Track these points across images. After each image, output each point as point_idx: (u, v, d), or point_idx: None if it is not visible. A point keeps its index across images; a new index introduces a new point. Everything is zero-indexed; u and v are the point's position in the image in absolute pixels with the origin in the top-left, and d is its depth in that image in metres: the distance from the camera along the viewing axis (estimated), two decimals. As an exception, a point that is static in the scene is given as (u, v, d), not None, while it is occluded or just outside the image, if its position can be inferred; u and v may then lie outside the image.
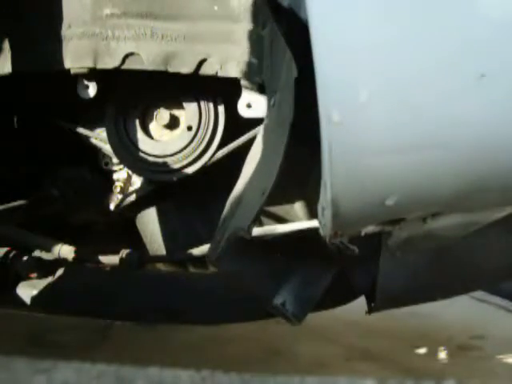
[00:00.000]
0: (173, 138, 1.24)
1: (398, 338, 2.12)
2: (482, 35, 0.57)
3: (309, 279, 1.09)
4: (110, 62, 1.13)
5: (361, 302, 1.25)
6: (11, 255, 1.25)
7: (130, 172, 1.31)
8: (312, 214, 1.23)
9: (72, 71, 1.15)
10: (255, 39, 1.09)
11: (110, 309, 1.27)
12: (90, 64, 1.13)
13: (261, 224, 1.22)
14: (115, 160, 1.30)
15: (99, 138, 1.28)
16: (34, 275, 1.26)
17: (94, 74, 1.16)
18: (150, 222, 1.35)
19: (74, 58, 1.14)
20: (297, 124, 0.89)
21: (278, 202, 1.24)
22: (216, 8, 1.09)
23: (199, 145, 1.23)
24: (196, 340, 1.94)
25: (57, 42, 1.13)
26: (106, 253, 1.29)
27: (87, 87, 1.19)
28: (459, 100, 0.58)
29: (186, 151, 1.23)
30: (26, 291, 1.25)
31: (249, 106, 1.15)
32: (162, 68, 1.12)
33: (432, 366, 1.90)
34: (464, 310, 2.34)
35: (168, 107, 1.25)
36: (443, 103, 0.59)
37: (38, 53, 1.14)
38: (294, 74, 0.86)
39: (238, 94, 1.15)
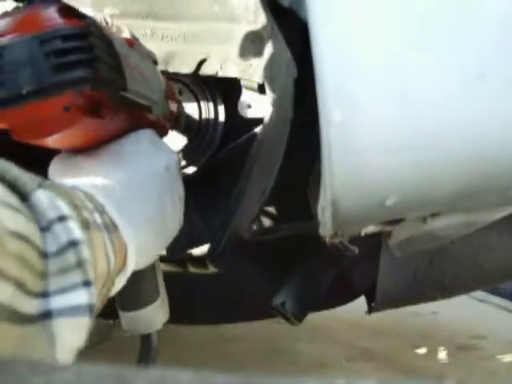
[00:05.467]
0: (173, 138, 1.24)
1: (398, 338, 2.12)
2: (483, 34, 0.57)
3: (309, 279, 1.09)
4: (109, 62, 1.13)
5: (361, 302, 1.25)
6: (11, 255, 1.25)
7: (129, 172, 1.31)
8: (312, 214, 1.22)
9: (72, 71, 1.15)
10: (255, 39, 1.09)
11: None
12: (89, 64, 1.13)
13: (261, 224, 1.22)
14: (115, 160, 1.30)
15: (99, 138, 1.28)
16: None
17: (93, 73, 1.16)
18: (150, 222, 1.34)
19: (74, 58, 1.13)
20: (297, 124, 0.89)
21: (278, 202, 1.24)
22: (216, 8, 1.09)
23: (199, 145, 1.22)
24: (196, 340, 1.94)
25: (57, 42, 1.13)
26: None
27: (87, 87, 1.18)
28: (460, 99, 0.58)
29: (185, 151, 1.23)
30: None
31: (249, 106, 1.14)
32: (161, 68, 1.12)
33: (432, 366, 1.89)
34: (464, 310, 2.34)
35: (168, 107, 1.25)
36: (444, 103, 0.59)
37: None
38: (294, 74, 0.86)
39: (237, 94, 1.15)
